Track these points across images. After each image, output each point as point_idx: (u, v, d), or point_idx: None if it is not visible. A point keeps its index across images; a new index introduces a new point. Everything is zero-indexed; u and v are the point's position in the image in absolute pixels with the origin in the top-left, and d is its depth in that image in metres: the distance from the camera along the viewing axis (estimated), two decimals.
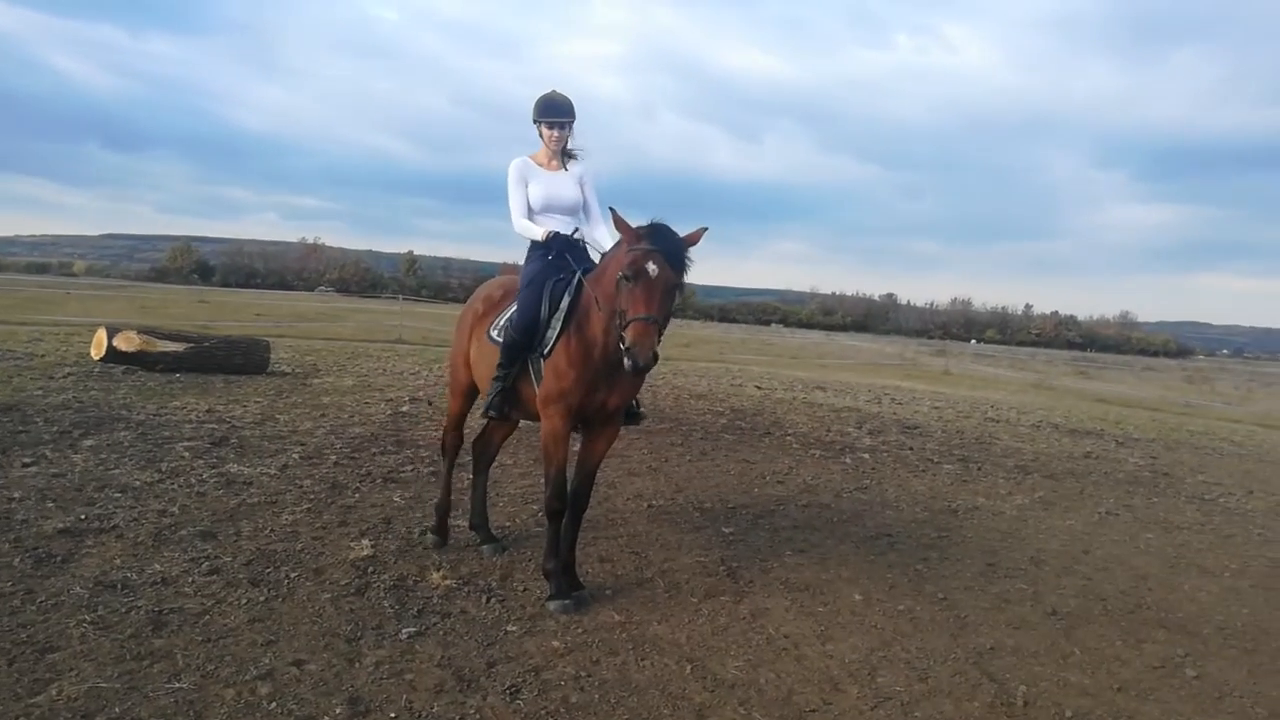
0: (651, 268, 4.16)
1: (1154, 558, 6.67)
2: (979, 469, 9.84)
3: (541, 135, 5.24)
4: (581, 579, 5.07)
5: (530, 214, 5.20)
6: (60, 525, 5.18)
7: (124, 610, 4.13)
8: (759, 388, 17.54)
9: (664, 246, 4.23)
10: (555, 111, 5.16)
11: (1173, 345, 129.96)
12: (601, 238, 5.19)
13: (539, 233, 5.07)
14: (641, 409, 5.41)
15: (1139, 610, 5.39)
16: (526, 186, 5.19)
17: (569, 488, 4.91)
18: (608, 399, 4.74)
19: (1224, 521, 8.21)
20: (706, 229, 4.43)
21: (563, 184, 5.24)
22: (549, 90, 5.23)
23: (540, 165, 5.26)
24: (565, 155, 5.29)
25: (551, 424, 4.79)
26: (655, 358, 4.16)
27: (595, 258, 5.10)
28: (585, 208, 5.33)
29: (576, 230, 5.21)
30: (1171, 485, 9.96)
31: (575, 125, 5.26)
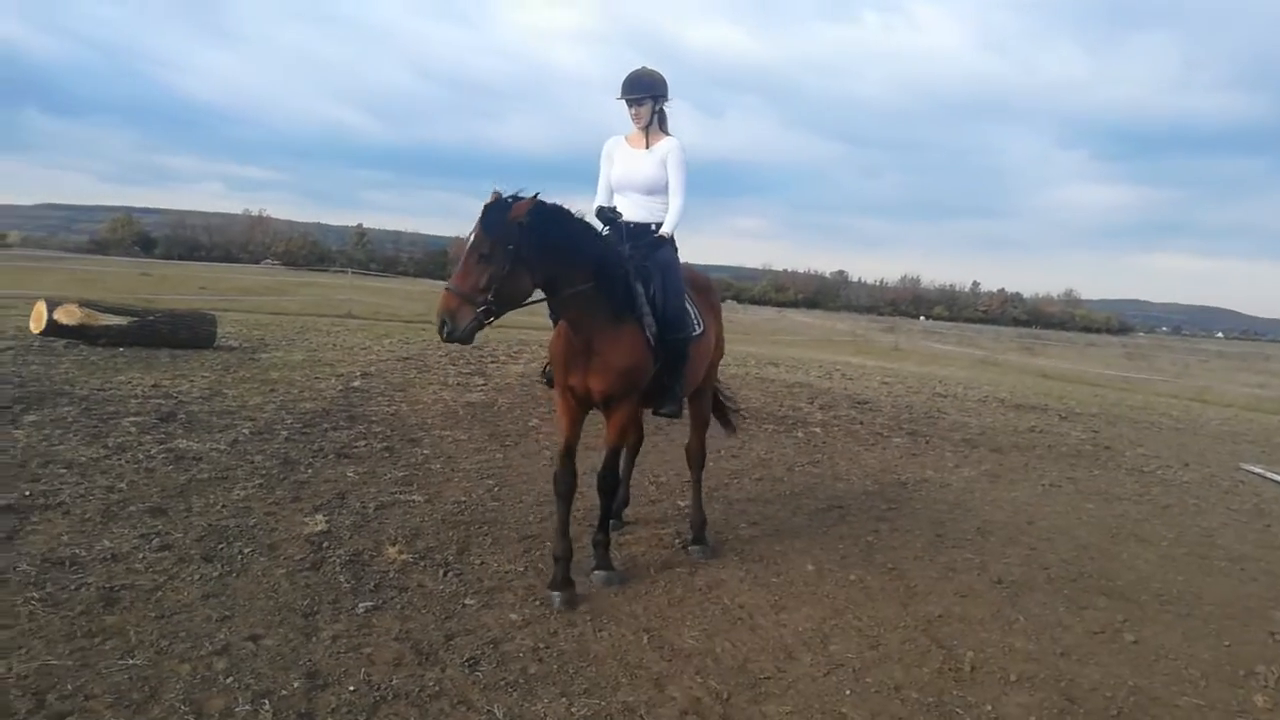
0: (466, 234, 4.09)
1: (1095, 528, 6.87)
2: (927, 443, 10.03)
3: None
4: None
5: (611, 193, 5.14)
6: (4, 502, 5.05)
7: (73, 587, 4.07)
8: None
9: (481, 214, 4.08)
10: (630, 88, 4.96)
11: (1114, 323, 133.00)
12: (667, 215, 5.05)
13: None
14: (676, 406, 5.10)
15: (1080, 578, 5.56)
16: (612, 165, 5.11)
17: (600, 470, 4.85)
18: (585, 381, 4.57)
19: (1161, 493, 8.47)
20: (536, 195, 4.12)
21: (642, 163, 5.02)
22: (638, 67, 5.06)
23: (628, 144, 5.11)
24: (652, 132, 5.05)
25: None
26: (455, 331, 3.98)
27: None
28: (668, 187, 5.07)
29: (614, 209, 4.98)
30: (1112, 458, 10.24)
31: (666, 100, 5.05)
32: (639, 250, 4.80)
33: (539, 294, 4.37)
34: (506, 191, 4.15)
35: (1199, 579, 5.77)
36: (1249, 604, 5.34)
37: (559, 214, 4.32)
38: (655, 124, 5.05)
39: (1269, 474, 9.95)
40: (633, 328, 4.57)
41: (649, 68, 5.01)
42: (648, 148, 5.04)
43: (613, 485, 4.93)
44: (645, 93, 4.95)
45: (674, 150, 4.99)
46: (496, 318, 4.15)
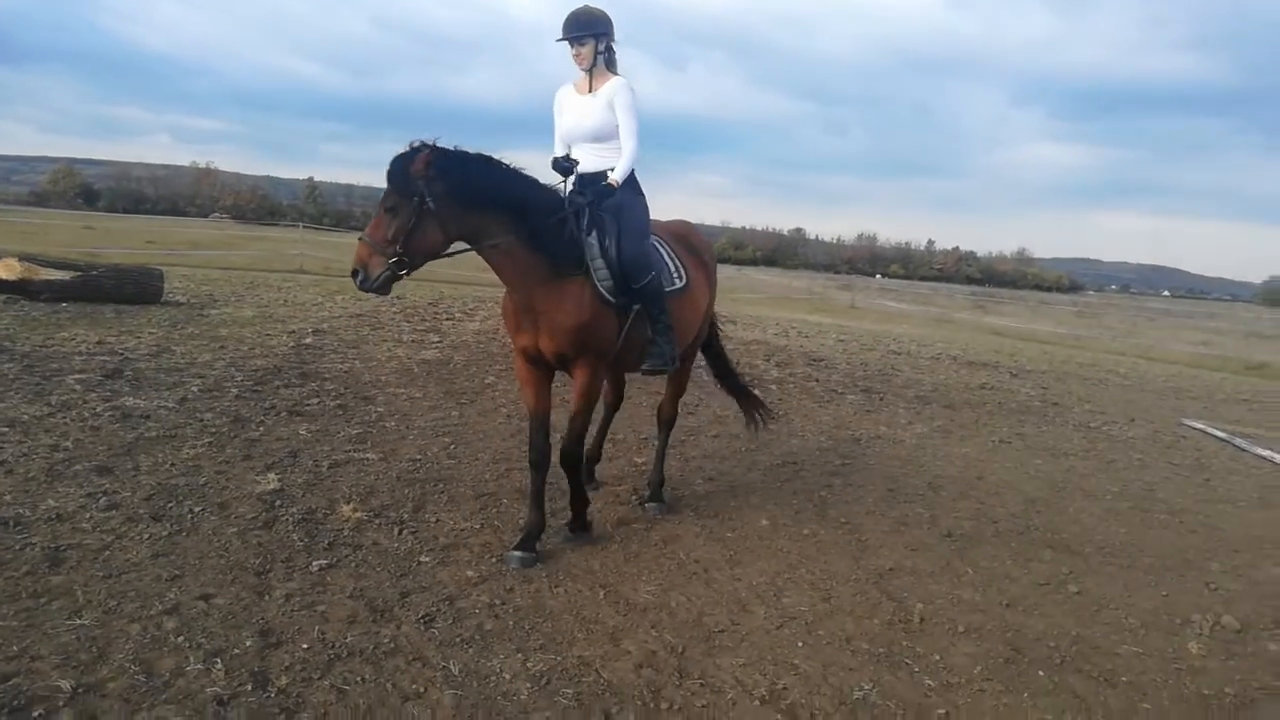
0: None
1: (1042, 482, 7.02)
2: (881, 399, 10.14)
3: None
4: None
5: (567, 147, 4.80)
6: None
7: (18, 547, 3.98)
8: None
9: (389, 165, 4.01)
10: (570, 27, 4.61)
11: (1065, 281, 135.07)
12: (617, 163, 4.69)
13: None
14: (662, 361, 4.73)
15: (1028, 532, 5.69)
16: (562, 115, 4.83)
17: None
18: (535, 341, 4.44)
19: (1107, 448, 8.67)
20: (433, 143, 3.98)
21: (588, 109, 4.70)
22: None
23: (575, 90, 4.80)
24: (597, 74, 4.72)
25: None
26: (367, 281, 3.97)
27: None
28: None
29: (568, 158, 4.60)
30: (1060, 414, 10.45)
31: (612, 40, 4.71)
32: (588, 198, 4.53)
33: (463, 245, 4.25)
34: (447, 142, 4.04)
35: (1140, 532, 5.93)
36: (1187, 555, 5.51)
37: (465, 162, 4.09)
38: (600, 65, 4.71)
39: (1210, 429, 10.23)
40: (578, 282, 4.36)
41: (590, 5, 4.65)
42: (591, 91, 4.72)
43: (576, 460, 4.66)
44: (585, 31, 4.60)
45: (620, 90, 4.65)
46: (411, 270, 4.08)
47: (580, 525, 4.86)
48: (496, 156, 4.26)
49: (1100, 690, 3.68)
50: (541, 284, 4.30)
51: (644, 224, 4.75)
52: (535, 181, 4.39)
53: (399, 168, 3.95)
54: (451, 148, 4.05)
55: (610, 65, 4.77)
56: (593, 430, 5.47)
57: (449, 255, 4.24)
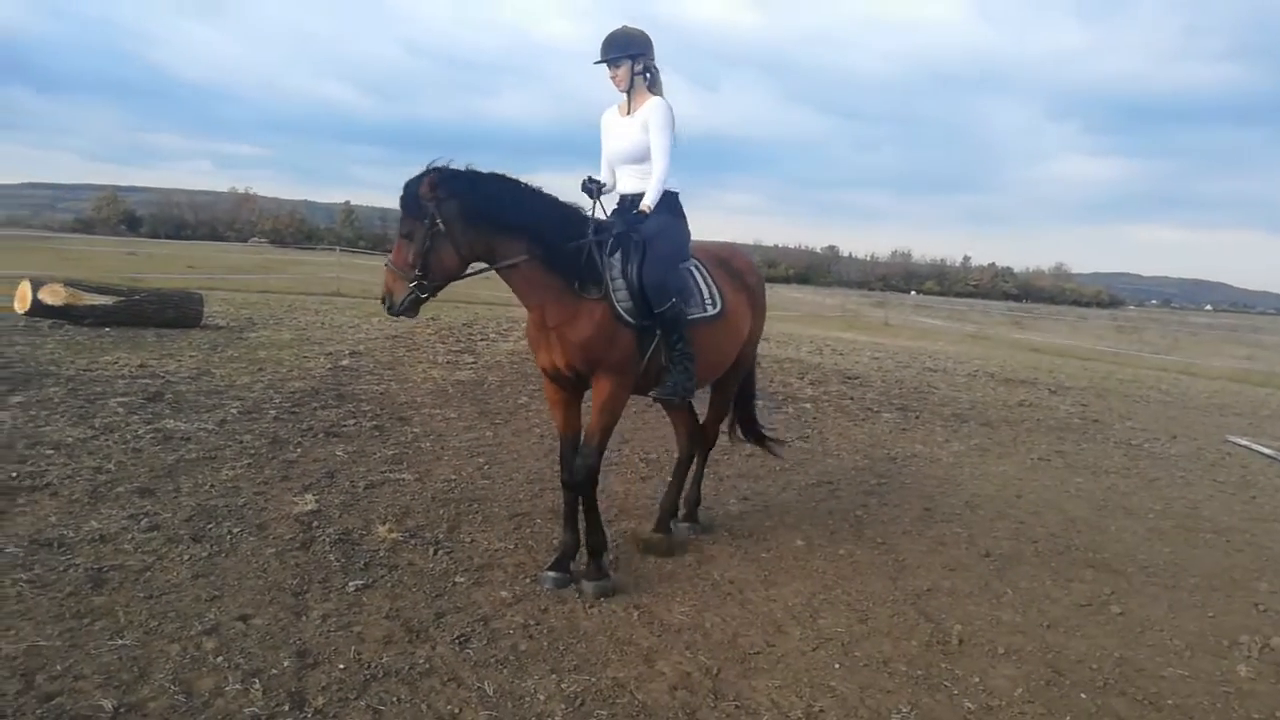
0: None
1: (1083, 501, 6.91)
2: (917, 417, 10.05)
3: None
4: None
5: (612, 169, 4.84)
6: None
7: (61, 568, 4.05)
8: None
9: (402, 189, 4.11)
10: (606, 48, 4.57)
11: (1104, 296, 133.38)
12: (646, 187, 4.61)
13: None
14: (673, 392, 4.54)
15: (1068, 551, 5.59)
16: (606, 139, 4.80)
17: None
18: (551, 358, 4.42)
19: (1149, 465, 8.52)
20: (436, 166, 4.07)
21: (627, 130, 4.66)
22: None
23: (618, 114, 4.76)
24: (636, 95, 4.66)
25: None
26: (393, 306, 4.10)
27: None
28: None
29: (594, 180, 4.65)
30: (1100, 431, 10.29)
31: (650, 60, 4.64)
32: (618, 225, 4.50)
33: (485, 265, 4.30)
34: (458, 164, 4.14)
35: (1185, 551, 5.81)
36: (1234, 575, 5.39)
37: (476, 182, 4.13)
38: (640, 86, 4.66)
39: (1255, 446, 10.02)
40: (595, 301, 4.30)
41: (628, 26, 4.64)
42: (631, 113, 4.68)
43: (583, 478, 4.46)
44: (620, 52, 4.56)
45: (654, 110, 4.58)
46: (432, 293, 4.16)
47: (596, 571, 4.48)
48: (517, 177, 4.28)
49: (1145, 714, 3.60)
50: (557, 302, 4.29)
51: (676, 249, 4.64)
52: (554, 201, 4.38)
53: (410, 192, 4.04)
54: (462, 168, 4.11)
55: (653, 86, 4.71)
56: (678, 465, 5.59)
57: (472, 275, 4.31)
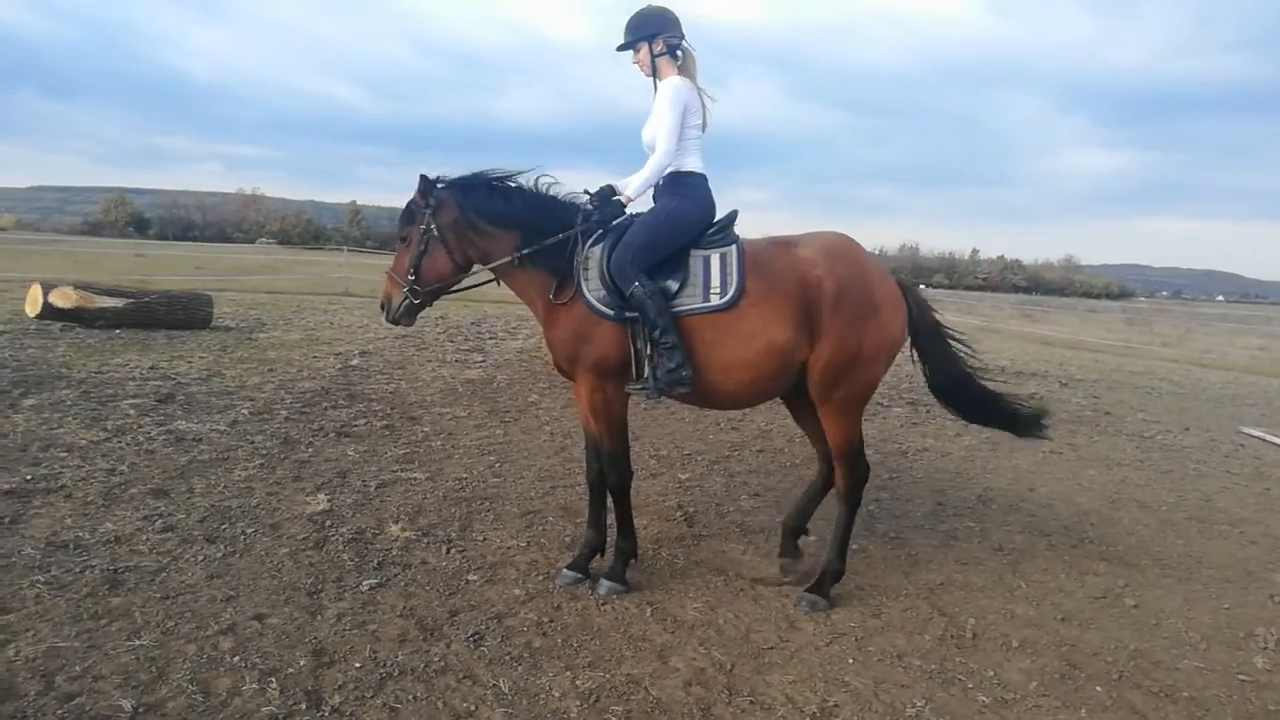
0: None
1: (1095, 494, 6.88)
2: (928, 412, 10.01)
3: None
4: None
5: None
6: (6, 486, 5.08)
7: (78, 570, 4.08)
8: None
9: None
10: (624, 35, 4.35)
11: (1114, 288, 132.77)
12: (637, 178, 4.35)
13: None
14: (642, 384, 4.20)
15: (1081, 544, 5.58)
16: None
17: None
18: (556, 356, 4.42)
19: (1162, 458, 8.48)
20: (422, 176, 4.27)
21: (652, 117, 4.37)
22: None
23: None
24: (660, 77, 4.40)
25: None
26: (390, 313, 4.36)
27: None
28: None
29: (609, 186, 4.37)
30: (1113, 424, 10.24)
31: (670, 36, 4.34)
32: (601, 211, 4.28)
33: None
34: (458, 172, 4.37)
35: (1199, 543, 5.79)
36: (1249, 567, 5.36)
37: (465, 187, 4.31)
38: (665, 67, 4.38)
39: (1269, 437, 9.96)
40: (570, 295, 4.23)
41: (643, 7, 4.35)
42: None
43: (614, 484, 4.40)
44: (635, 36, 4.33)
45: (660, 89, 4.32)
46: (425, 298, 4.35)
47: (618, 575, 4.40)
48: (520, 174, 4.38)
49: (1161, 706, 3.58)
50: (544, 298, 4.32)
51: (653, 231, 4.22)
52: (545, 199, 4.38)
53: (410, 201, 4.30)
54: (453, 175, 4.32)
55: (682, 67, 4.41)
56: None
57: (476, 286, 4.53)
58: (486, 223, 4.29)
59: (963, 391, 4.88)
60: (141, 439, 6.31)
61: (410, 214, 4.31)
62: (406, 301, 4.29)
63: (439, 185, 4.29)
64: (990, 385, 4.94)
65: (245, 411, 7.43)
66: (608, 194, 4.31)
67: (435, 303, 4.59)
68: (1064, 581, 4.91)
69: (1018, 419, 4.94)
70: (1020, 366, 15.76)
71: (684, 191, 4.35)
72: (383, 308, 4.41)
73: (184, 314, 12.38)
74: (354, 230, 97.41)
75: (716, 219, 4.41)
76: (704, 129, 4.41)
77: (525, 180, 4.40)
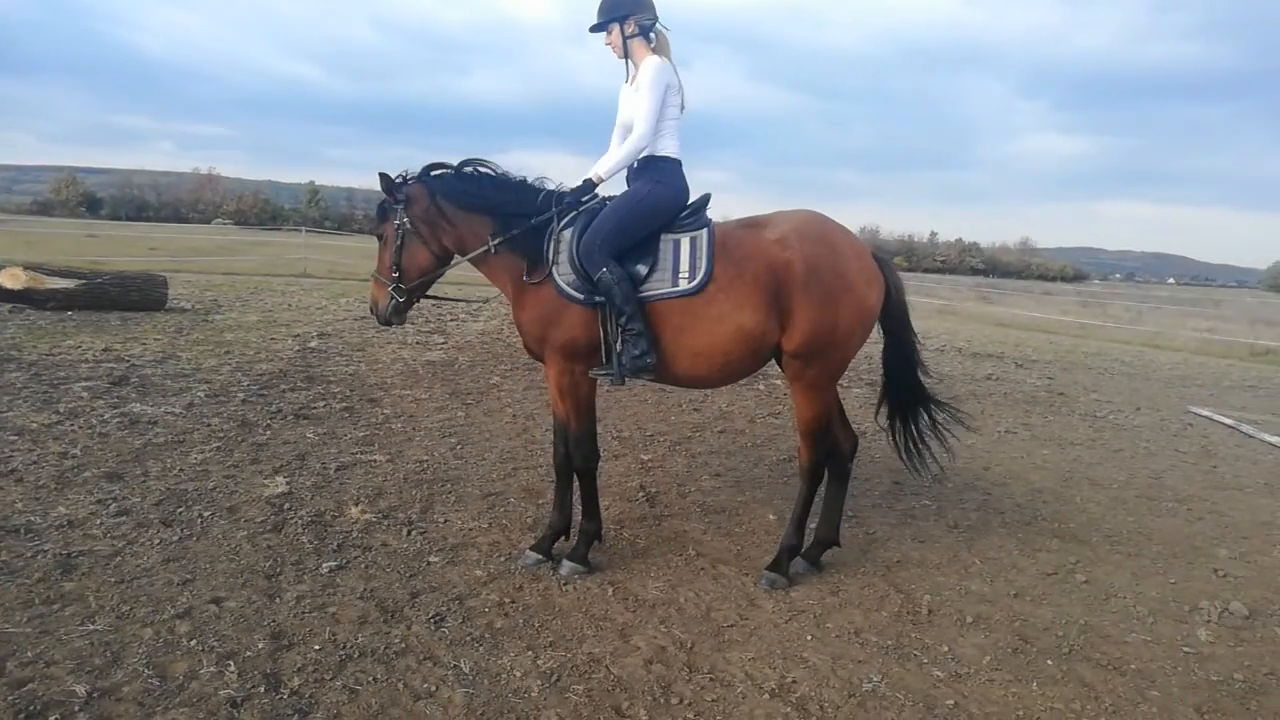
0: None
1: (1049, 473, 7.02)
2: None
3: None
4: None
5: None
6: None
7: (29, 554, 4.02)
8: None
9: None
10: (598, 12, 4.33)
11: (1070, 270, 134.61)
12: (610, 159, 4.34)
13: None
14: (606, 367, 4.21)
15: (1034, 522, 5.69)
16: (619, 112, 4.45)
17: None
18: (525, 338, 4.40)
19: (1113, 437, 8.66)
20: (383, 174, 4.29)
21: (629, 99, 4.34)
22: None
23: (626, 85, 4.43)
24: (635, 59, 4.33)
25: None
26: (379, 313, 4.41)
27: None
28: None
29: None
30: (1066, 404, 10.43)
31: (641, 17, 4.28)
32: (574, 193, 4.29)
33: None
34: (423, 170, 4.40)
35: (1148, 520, 5.93)
36: (1195, 543, 5.51)
37: (435, 179, 4.35)
38: (639, 49, 4.33)
39: (1216, 416, 10.21)
40: (540, 278, 4.22)
41: None
42: (630, 81, 4.38)
43: (581, 467, 4.41)
44: (605, 17, 4.30)
45: (643, 70, 4.23)
46: (413, 295, 4.41)
47: (580, 556, 4.40)
48: (486, 163, 4.37)
49: (1109, 678, 3.68)
50: (516, 284, 4.31)
51: (622, 216, 4.18)
52: (513, 183, 4.37)
53: (382, 199, 4.34)
54: (419, 169, 4.37)
55: (657, 48, 4.37)
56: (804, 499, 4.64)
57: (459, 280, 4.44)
58: (457, 209, 4.31)
59: (907, 379, 5.19)
60: (95, 422, 6.20)
61: (383, 211, 4.37)
62: (393, 302, 4.34)
63: (406, 181, 4.33)
64: (926, 383, 5.32)
65: (201, 394, 7.33)
66: (588, 187, 4.33)
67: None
68: (1017, 558, 5.01)
69: (918, 442, 5.31)
70: (977, 348, 15.96)
71: (658, 177, 4.31)
72: (372, 311, 4.47)
73: (138, 295, 12.15)
74: (312, 211, 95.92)
75: (690, 202, 4.40)
76: (682, 110, 4.39)
77: (492, 169, 4.39)
